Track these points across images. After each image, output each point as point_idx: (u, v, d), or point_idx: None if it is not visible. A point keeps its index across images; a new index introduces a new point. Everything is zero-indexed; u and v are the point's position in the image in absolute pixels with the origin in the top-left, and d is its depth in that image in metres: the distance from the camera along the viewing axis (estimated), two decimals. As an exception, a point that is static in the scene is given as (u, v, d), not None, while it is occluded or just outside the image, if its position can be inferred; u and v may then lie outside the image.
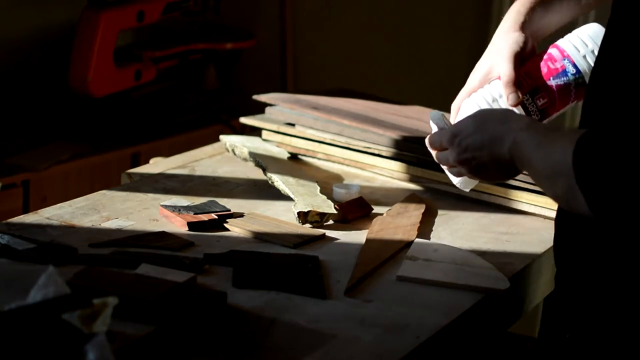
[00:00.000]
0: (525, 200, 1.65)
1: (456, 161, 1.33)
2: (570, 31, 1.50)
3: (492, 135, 1.28)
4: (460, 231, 1.57)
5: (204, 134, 3.07)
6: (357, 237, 1.51)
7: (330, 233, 1.51)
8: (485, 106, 1.46)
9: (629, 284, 1.20)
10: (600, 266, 1.22)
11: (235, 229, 1.50)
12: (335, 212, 1.55)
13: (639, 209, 1.10)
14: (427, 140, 1.40)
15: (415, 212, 1.61)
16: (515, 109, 1.43)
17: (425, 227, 1.57)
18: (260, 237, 1.47)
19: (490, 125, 1.29)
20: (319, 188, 1.64)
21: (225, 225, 1.51)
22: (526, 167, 1.25)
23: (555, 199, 1.23)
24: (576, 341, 1.25)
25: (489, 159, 1.29)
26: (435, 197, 1.69)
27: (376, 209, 1.62)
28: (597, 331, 1.23)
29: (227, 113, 3.24)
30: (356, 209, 1.59)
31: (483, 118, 1.32)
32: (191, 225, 1.48)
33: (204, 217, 1.50)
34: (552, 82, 1.45)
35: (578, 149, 1.13)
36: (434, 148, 1.39)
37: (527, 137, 1.23)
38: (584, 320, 1.24)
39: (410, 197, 1.69)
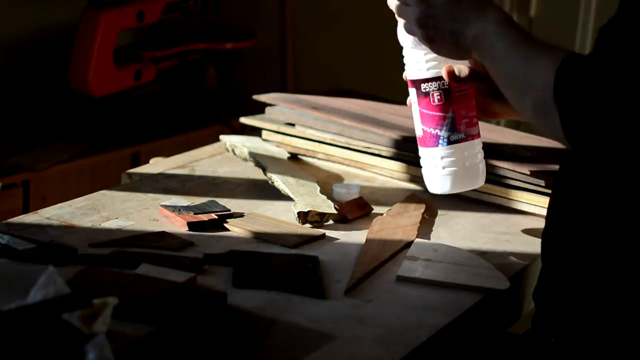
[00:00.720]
0: (525, 200, 1.65)
1: (416, 21, 1.30)
2: None
3: (464, 13, 1.26)
4: (460, 231, 1.57)
5: (204, 134, 3.08)
6: (357, 237, 1.51)
7: (330, 233, 1.51)
8: None
9: (616, 284, 1.20)
10: (588, 263, 1.22)
11: (235, 229, 1.50)
12: (335, 212, 1.55)
13: (612, 138, 1.10)
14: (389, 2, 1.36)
15: (415, 212, 1.61)
16: None
17: (425, 227, 1.57)
18: (260, 237, 1.47)
19: (465, 1, 1.27)
20: (319, 188, 1.64)
21: (225, 225, 1.51)
22: (488, 61, 1.23)
23: (519, 108, 1.21)
24: (561, 345, 1.25)
25: (449, 35, 1.27)
26: (435, 197, 1.68)
27: (376, 209, 1.62)
28: (582, 337, 1.23)
29: (227, 113, 3.24)
30: (356, 209, 1.59)
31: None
32: (191, 225, 1.48)
33: (204, 217, 1.50)
34: None
35: (562, 69, 1.12)
36: (397, 11, 1.36)
37: (502, 34, 1.21)
38: (569, 324, 1.24)
39: (410, 197, 1.69)
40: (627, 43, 1.12)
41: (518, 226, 1.60)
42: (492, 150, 1.67)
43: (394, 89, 2.94)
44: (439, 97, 1.45)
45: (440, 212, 1.65)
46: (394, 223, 1.56)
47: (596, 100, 1.09)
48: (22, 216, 1.51)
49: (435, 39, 1.29)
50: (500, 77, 1.23)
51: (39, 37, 3.02)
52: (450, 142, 1.46)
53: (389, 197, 1.69)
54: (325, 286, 1.32)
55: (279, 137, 1.87)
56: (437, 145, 1.46)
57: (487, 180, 1.66)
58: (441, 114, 1.45)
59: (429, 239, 1.53)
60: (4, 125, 2.83)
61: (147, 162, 1.91)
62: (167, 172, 1.75)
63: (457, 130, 1.45)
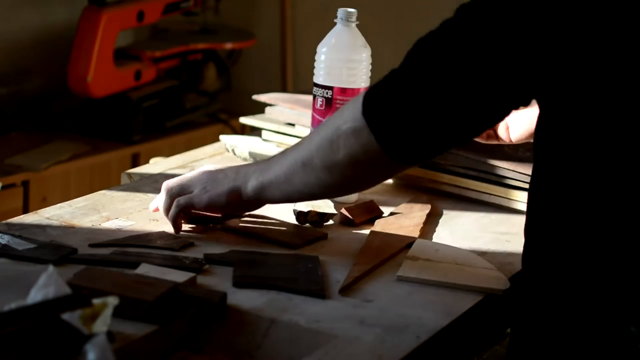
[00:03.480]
0: (525, 200, 1.64)
1: (178, 206, 1.43)
2: None
3: (207, 176, 1.44)
4: (460, 231, 1.57)
5: (204, 134, 3.08)
6: (358, 237, 1.51)
7: (331, 233, 1.51)
8: None
9: (593, 293, 1.20)
10: (567, 274, 1.23)
11: (237, 229, 1.50)
12: (335, 212, 1.55)
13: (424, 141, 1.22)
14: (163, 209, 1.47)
15: (420, 212, 1.61)
16: None
17: (427, 227, 1.57)
18: (262, 237, 1.47)
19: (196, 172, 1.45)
20: (319, 188, 1.64)
21: (229, 225, 1.50)
22: (266, 188, 1.37)
23: (324, 170, 1.31)
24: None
25: (201, 191, 1.43)
26: (435, 198, 1.68)
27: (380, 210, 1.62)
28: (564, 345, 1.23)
29: (227, 113, 3.24)
30: (364, 213, 1.58)
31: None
32: (191, 220, 1.48)
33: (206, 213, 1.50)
34: None
35: (366, 97, 1.25)
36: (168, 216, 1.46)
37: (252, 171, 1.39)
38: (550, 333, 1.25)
39: (417, 198, 1.68)
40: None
41: (518, 226, 1.60)
42: (493, 151, 1.67)
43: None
44: (321, 102, 1.64)
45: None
46: (397, 223, 1.55)
47: (403, 106, 1.21)
48: (22, 216, 1.51)
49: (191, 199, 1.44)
50: (289, 179, 1.37)
51: (39, 37, 3.02)
52: None
53: (389, 197, 1.69)
54: (325, 286, 1.32)
55: (279, 137, 1.87)
56: None
57: (487, 180, 1.66)
58: (320, 117, 1.63)
59: (430, 238, 1.53)
60: (4, 125, 2.83)
61: (147, 162, 1.91)
62: (167, 172, 1.75)
63: None
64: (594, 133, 1.16)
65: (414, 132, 1.22)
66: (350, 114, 1.27)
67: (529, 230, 1.28)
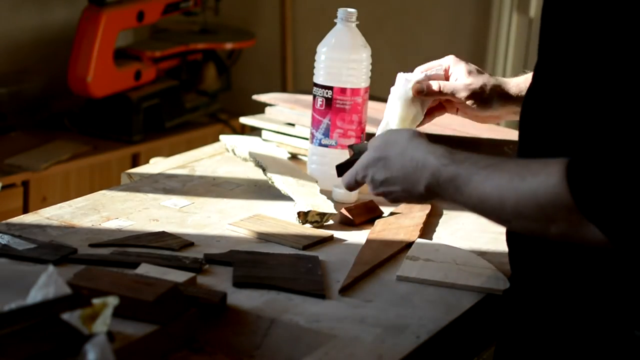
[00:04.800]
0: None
1: (375, 194, 1.34)
2: None
3: (404, 172, 1.28)
4: (460, 231, 1.57)
5: (204, 134, 3.08)
6: (359, 237, 1.51)
7: (331, 233, 1.51)
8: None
9: (582, 296, 1.20)
10: (554, 277, 1.22)
11: (242, 229, 1.50)
12: (335, 212, 1.55)
13: None
14: (343, 183, 1.39)
15: (420, 212, 1.61)
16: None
17: (427, 227, 1.57)
18: (267, 238, 1.47)
19: (397, 160, 1.29)
20: (319, 188, 1.64)
21: (231, 225, 1.50)
22: (461, 201, 1.22)
23: (541, 234, 1.16)
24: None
25: (403, 192, 1.29)
26: (435, 197, 1.68)
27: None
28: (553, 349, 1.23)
29: (227, 113, 3.24)
30: (364, 213, 1.58)
31: (386, 151, 1.31)
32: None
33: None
34: None
35: (574, 183, 1.08)
36: (352, 188, 1.39)
37: (460, 172, 1.21)
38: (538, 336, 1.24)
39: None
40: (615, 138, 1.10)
41: (518, 226, 1.60)
42: (493, 150, 1.66)
43: (394, 89, 2.95)
44: (321, 102, 1.64)
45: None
46: (397, 223, 1.56)
47: (622, 198, 1.06)
48: (22, 216, 1.51)
49: (398, 199, 1.33)
50: (486, 211, 1.21)
51: (39, 37, 3.02)
52: (320, 144, 1.67)
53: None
54: (325, 286, 1.32)
55: (279, 137, 1.87)
56: (312, 143, 1.68)
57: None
58: (320, 117, 1.65)
59: (430, 239, 1.53)
60: (4, 125, 2.83)
61: (147, 162, 1.91)
62: (167, 172, 1.75)
63: (329, 137, 1.66)
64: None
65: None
66: (550, 198, 1.11)
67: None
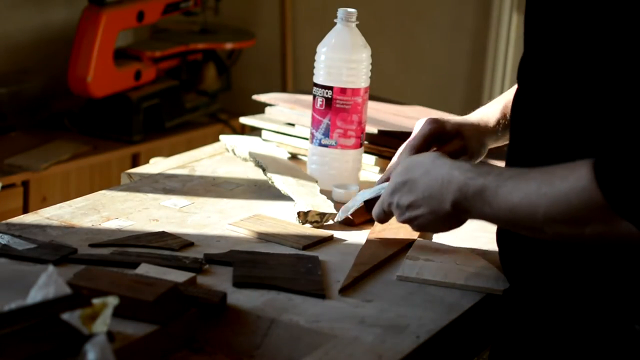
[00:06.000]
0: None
1: (402, 221, 1.34)
2: None
3: (430, 192, 1.28)
4: (460, 231, 1.56)
5: (204, 134, 3.08)
6: (359, 237, 1.51)
7: (331, 233, 1.51)
8: None
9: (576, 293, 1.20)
10: (548, 276, 1.22)
11: (242, 229, 1.50)
12: (335, 212, 1.55)
13: None
14: (374, 216, 1.42)
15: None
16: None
17: (426, 227, 1.57)
18: (267, 238, 1.47)
19: (422, 181, 1.29)
20: (319, 188, 1.64)
21: (231, 225, 1.50)
22: (490, 214, 1.22)
23: (575, 239, 1.15)
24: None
25: (430, 214, 1.29)
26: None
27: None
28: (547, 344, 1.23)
29: (227, 113, 3.24)
30: (364, 213, 1.58)
31: (411, 174, 1.31)
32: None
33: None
34: None
35: (604, 182, 1.09)
36: (382, 221, 1.41)
37: (487, 185, 1.20)
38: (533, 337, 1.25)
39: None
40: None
41: (518, 226, 1.60)
42: (493, 150, 1.66)
43: (393, 89, 2.95)
44: (321, 102, 1.65)
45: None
46: (397, 224, 1.55)
47: None
48: (22, 216, 1.51)
49: (425, 225, 1.32)
50: (517, 224, 1.21)
51: (39, 37, 3.02)
52: (320, 144, 1.67)
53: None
54: (325, 286, 1.32)
55: (279, 137, 1.87)
56: (312, 143, 1.69)
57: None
58: (320, 117, 1.65)
59: (430, 239, 1.53)
60: (4, 125, 2.83)
61: (147, 162, 1.91)
62: (167, 172, 1.75)
63: (329, 137, 1.66)
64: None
65: None
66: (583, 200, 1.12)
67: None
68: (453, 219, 1.29)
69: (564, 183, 1.12)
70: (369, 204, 1.46)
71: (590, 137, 1.16)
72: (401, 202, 1.32)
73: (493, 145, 1.58)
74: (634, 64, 1.10)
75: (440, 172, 1.26)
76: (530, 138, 1.23)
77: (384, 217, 1.40)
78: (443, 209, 1.26)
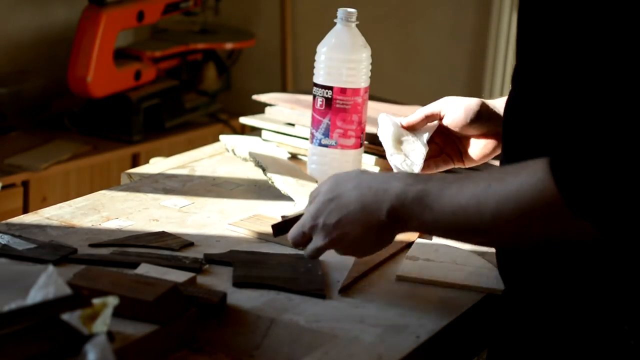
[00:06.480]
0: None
1: (327, 245, 1.24)
2: None
3: (362, 204, 1.19)
4: (460, 231, 1.57)
5: (204, 134, 3.08)
6: (357, 237, 1.51)
7: (330, 233, 1.51)
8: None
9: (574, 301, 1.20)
10: (545, 281, 1.22)
11: (242, 229, 1.50)
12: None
13: None
14: (289, 239, 1.29)
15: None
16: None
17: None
18: (267, 238, 1.47)
19: (352, 194, 1.21)
20: (319, 188, 1.64)
21: (231, 225, 1.50)
22: (430, 221, 1.16)
23: (520, 239, 1.13)
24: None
25: (361, 227, 1.20)
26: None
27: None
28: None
29: (227, 113, 3.24)
30: None
31: (338, 189, 1.23)
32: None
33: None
34: None
35: (560, 177, 1.06)
36: (299, 244, 1.28)
37: (429, 189, 1.15)
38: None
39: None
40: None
41: (518, 226, 1.60)
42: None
43: (393, 89, 2.95)
44: (321, 102, 1.65)
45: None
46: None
47: (610, 189, 1.04)
48: (22, 216, 1.51)
49: (354, 245, 1.23)
50: (461, 229, 1.15)
51: (39, 37, 3.02)
52: (320, 144, 1.67)
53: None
54: (325, 286, 1.32)
55: (279, 137, 1.87)
56: (312, 143, 1.68)
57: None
58: (320, 117, 1.65)
59: (430, 239, 1.53)
60: (4, 125, 2.83)
61: (147, 162, 1.91)
62: (167, 172, 1.75)
63: (329, 137, 1.66)
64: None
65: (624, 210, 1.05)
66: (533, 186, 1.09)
67: None
68: (386, 232, 1.21)
69: (516, 178, 1.09)
70: (280, 227, 1.34)
71: (581, 142, 1.16)
72: (328, 220, 1.22)
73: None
74: (625, 66, 1.10)
75: (374, 182, 1.20)
76: (522, 142, 1.22)
77: (301, 240, 1.27)
78: (376, 220, 1.18)
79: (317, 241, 1.26)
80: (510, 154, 1.25)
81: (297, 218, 1.29)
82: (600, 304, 1.18)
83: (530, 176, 1.08)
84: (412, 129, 1.56)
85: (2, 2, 2.90)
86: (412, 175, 1.20)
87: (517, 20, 1.22)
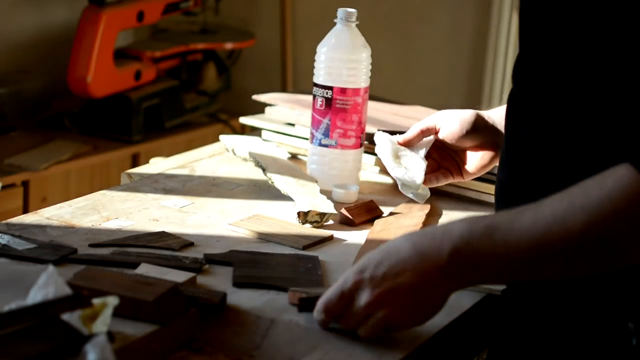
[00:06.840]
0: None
1: (373, 301, 1.10)
2: None
3: (419, 250, 1.08)
4: (460, 231, 1.57)
5: (204, 134, 3.08)
6: (358, 237, 1.51)
7: (331, 233, 1.51)
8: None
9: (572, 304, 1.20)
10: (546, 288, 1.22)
11: (242, 229, 1.50)
12: (335, 212, 1.55)
13: None
14: (318, 307, 1.15)
15: (419, 212, 1.61)
16: None
17: (427, 227, 1.57)
18: (267, 238, 1.47)
19: (405, 244, 1.10)
20: (319, 188, 1.64)
21: (231, 225, 1.50)
22: (503, 260, 1.07)
23: (607, 255, 1.07)
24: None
25: (417, 278, 1.08)
26: (435, 198, 1.68)
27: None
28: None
29: (227, 113, 3.24)
30: (364, 213, 1.58)
31: (386, 246, 1.12)
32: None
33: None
34: None
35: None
36: (330, 312, 1.14)
37: (498, 221, 1.06)
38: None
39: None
40: None
41: (518, 226, 1.60)
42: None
43: (394, 89, 2.95)
44: (321, 102, 1.65)
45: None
46: (397, 223, 1.55)
47: None
48: (22, 216, 1.51)
49: (401, 309, 1.11)
50: (527, 257, 1.07)
51: (39, 37, 3.02)
52: (320, 144, 1.67)
53: (390, 197, 1.69)
54: (325, 286, 1.32)
55: (279, 137, 1.87)
56: (312, 143, 1.69)
57: (488, 181, 1.66)
58: (320, 117, 1.65)
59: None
60: (4, 125, 2.83)
61: (147, 162, 1.91)
62: (167, 172, 1.75)
63: (329, 137, 1.66)
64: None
65: None
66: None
67: None
68: (443, 285, 1.09)
69: (602, 190, 1.03)
70: (306, 303, 1.21)
71: (586, 137, 1.16)
72: (376, 272, 1.09)
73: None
74: (628, 62, 1.10)
75: (430, 229, 1.10)
76: (524, 138, 1.22)
77: (334, 307, 1.13)
78: (434, 266, 1.06)
79: (361, 299, 1.11)
80: (511, 154, 1.25)
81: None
82: (602, 302, 1.18)
83: (618, 182, 1.04)
84: (409, 145, 1.59)
85: (2, 2, 2.90)
86: (471, 217, 1.09)
87: (519, 12, 1.22)
